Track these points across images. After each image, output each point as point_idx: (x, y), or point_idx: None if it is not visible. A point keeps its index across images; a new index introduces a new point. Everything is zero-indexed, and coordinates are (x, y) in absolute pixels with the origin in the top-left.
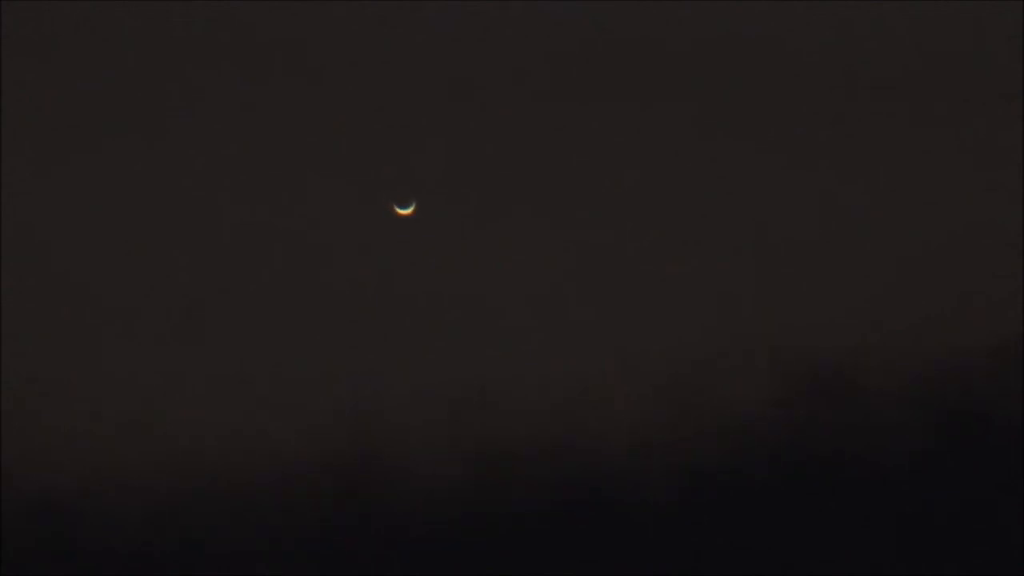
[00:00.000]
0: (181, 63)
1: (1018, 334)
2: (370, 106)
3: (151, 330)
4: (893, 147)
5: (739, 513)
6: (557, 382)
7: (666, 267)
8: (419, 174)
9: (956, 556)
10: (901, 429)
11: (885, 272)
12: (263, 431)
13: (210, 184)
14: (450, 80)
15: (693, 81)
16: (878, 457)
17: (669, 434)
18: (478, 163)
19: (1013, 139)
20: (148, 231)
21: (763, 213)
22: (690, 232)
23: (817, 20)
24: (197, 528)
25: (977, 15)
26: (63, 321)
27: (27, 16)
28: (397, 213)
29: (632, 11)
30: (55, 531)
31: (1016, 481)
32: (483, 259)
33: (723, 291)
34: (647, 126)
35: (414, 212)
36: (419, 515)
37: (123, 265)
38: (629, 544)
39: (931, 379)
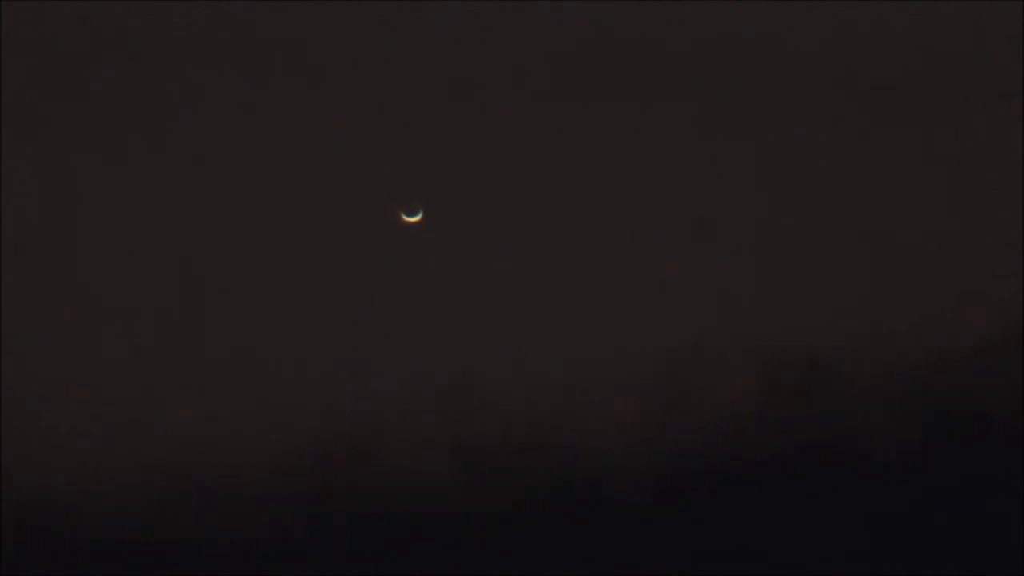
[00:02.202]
0: (181, 63)
1: (1017, 334)
2: (370, 106)
3: (146, 329)
4: (893, 147)
5: (730, 510)
6: (549, 380)
7: (660, 267)
8: (415, 173)
9: (950, 554)
10: (894, 427)
11: (883, 271)
12: (257, 430)
13: (209, 184)
14: (450, 80)
15: (693, 81)
16: (871, 454)
17: (660, 431)
18: (475, 162)
19: (1013, 139)
20: (148, 231)
21: (760, 212)
22: (685, 232)
23: (817, 20)
24: (189, 525)
25: (977, 15)
26: (62, 321)
27: (27, 16)
28: (405, 221)
29: (632, 11)
30: (51, 529)
31: (1010, 479)
32: (478, 258)
33: (719, 290)
34: (647, 126)
35: (421, 220)
36: (409, 511)
37: (123, 265)
38: (620, 541)
39: (926, 378)
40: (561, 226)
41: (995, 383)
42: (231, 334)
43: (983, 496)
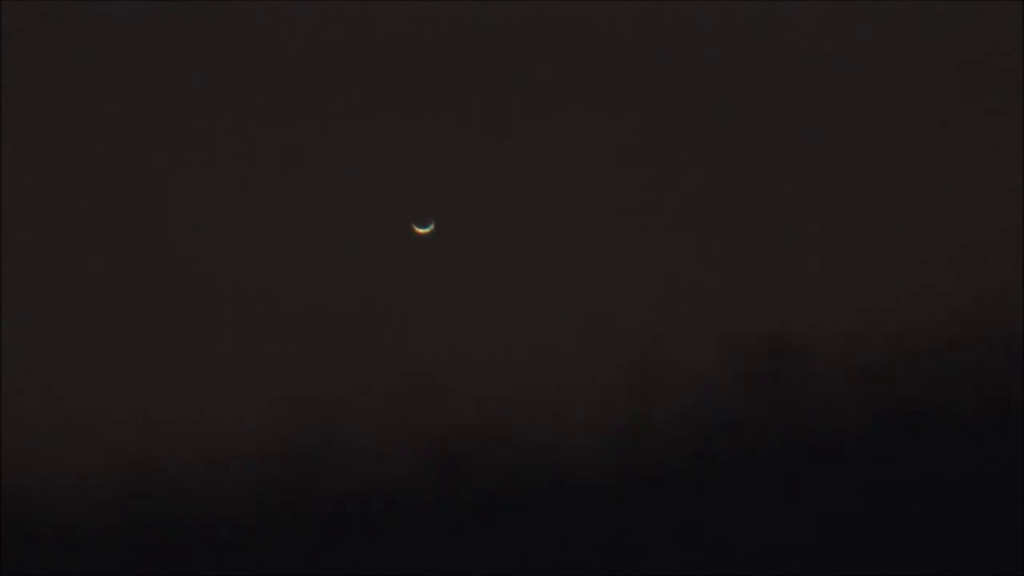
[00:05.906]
0: (180, 63)
1: (992, 323)
2: (370, 107)
3: (118, 324)
4: (892, 147)
5: (698, 502)
6: (515, 367)
7: (629, 252)
8: (391, 166)
9: (919, 549)
10: (862, 416)
11: (882, 271)
12: (225, 422)
13: (194, 179)
14: (443, 82)
15: (693, 82)
16: (841, 445)
17: (628, 422)
18: (438, 158)
19: (1013, 139)
20: (122, 226)
21: (752, 206)
22: (654, 218)
23: (817, 20)
24: (156, 519)
25: (977, 15)
26: (32, 317)
27: (27, 16)
28: (416, 232)
29: (633, 11)
30: (22, 524)
31: (980, 470)
32: (446, 251)
33: (686, 280)
34: (609, 120)
35: (432, 231)
36: (378, 503)
37: (95, 260)
38: (586, 533)
39: (897, 367)
40: (526, 218)
41: (967, 374)
42: (198, 327)
43: (952, 486)
